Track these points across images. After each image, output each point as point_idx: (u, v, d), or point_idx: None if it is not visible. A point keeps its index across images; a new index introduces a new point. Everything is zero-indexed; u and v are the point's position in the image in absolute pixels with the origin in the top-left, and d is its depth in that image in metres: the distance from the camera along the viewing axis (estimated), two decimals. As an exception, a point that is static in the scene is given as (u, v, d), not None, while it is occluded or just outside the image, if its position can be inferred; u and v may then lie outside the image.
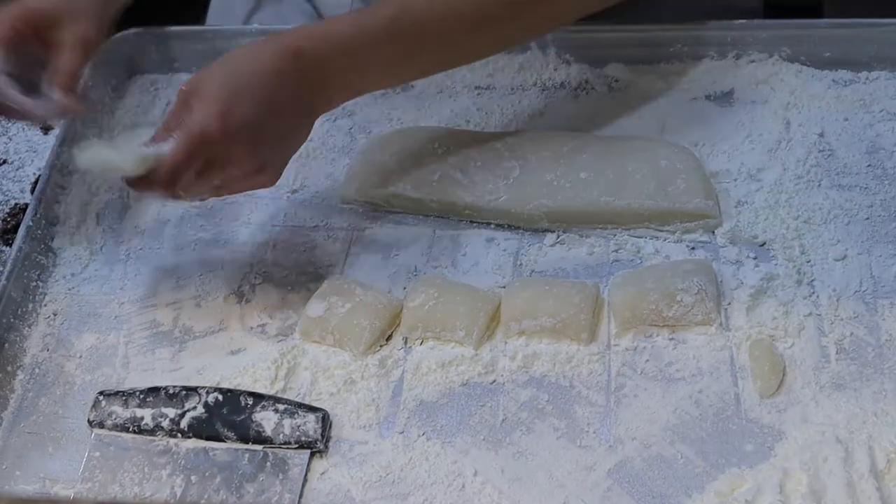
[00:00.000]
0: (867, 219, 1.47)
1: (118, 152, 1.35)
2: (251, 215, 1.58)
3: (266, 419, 1.33)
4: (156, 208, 1.60)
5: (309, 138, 1.56)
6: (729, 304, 1.40)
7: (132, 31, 1.79)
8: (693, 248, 1.46)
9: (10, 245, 1.55)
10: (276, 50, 1.38)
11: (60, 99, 1.47)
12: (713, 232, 1.47)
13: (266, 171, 1.39)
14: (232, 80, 1.35)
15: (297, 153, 1.55)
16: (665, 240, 1.47)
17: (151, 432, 1.35)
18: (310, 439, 1.32)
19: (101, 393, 1.39)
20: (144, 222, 1.59)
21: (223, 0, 2.05)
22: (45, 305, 1.51)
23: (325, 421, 1.33)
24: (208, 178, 1.36)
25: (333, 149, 1.64)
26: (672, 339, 1.37)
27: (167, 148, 1.32)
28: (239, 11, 1.99)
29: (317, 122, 1.63)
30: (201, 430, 1.35)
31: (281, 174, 1.42)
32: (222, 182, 1.38)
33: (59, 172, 1.63)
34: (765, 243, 1.45)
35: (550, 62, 1.68)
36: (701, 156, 1.54)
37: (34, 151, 1.73)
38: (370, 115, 1.67)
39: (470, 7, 1.44)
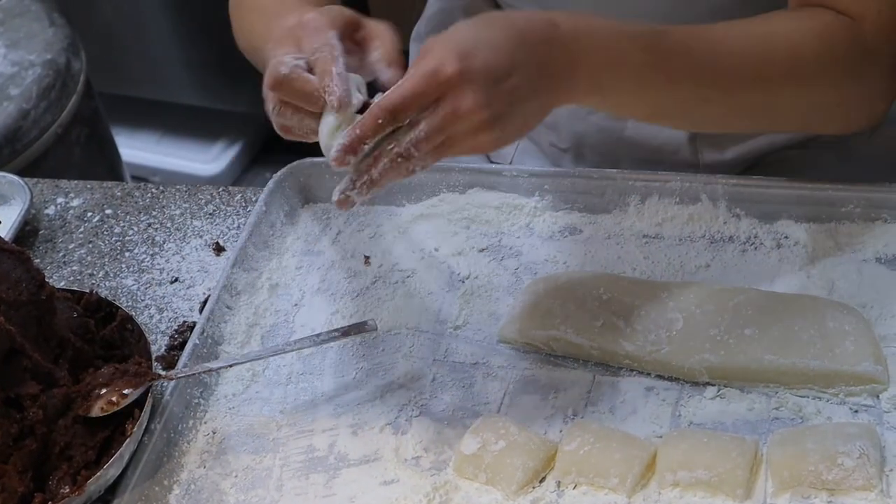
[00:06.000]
0: None
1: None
2: (412, 348, 1.58)
3: (415, 552, 1.33)
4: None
5: (475, 276, 1.57)
6: (891, 470, 1.35)
7: (308, 160, 1.83)
8: (856, 411, 1.43)
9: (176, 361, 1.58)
10: (531, 16, 1.37)
11: (392, 73, 1.43)
12: (878, 396, 1.43)
13: (494, 128, 1.33)
14: (477, 30, 1.33)
15: (462, 289, 1.57)
16: (828, 401, 1.44)
17: (300, 556, 1.36)
18: (457, 576, 1.32)
19: (253, 513, 1.40)
20: (308, 348, 1.61)
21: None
22: (206, 423, 1.53)
23: (474, 559, 1.33)
24: (435, 131, 1.32)
25: (498, 288, 1.64)
26: (830, 502, 1.33)
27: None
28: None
29: (482, 260, 1.65)
30: (349, 558, 1.35)
31: (508, 144, 1.38)
32: (447, 137, 1.32)
33: (228, 293, 1.66)
34: (931, 411, 1.42)
35: (720, 215, 1.66)
36: (870, 318, 1.51)
37: (205, 272, 1.78)
38: (537, 257, 1.67)
39: (765, 55, 1.46)
